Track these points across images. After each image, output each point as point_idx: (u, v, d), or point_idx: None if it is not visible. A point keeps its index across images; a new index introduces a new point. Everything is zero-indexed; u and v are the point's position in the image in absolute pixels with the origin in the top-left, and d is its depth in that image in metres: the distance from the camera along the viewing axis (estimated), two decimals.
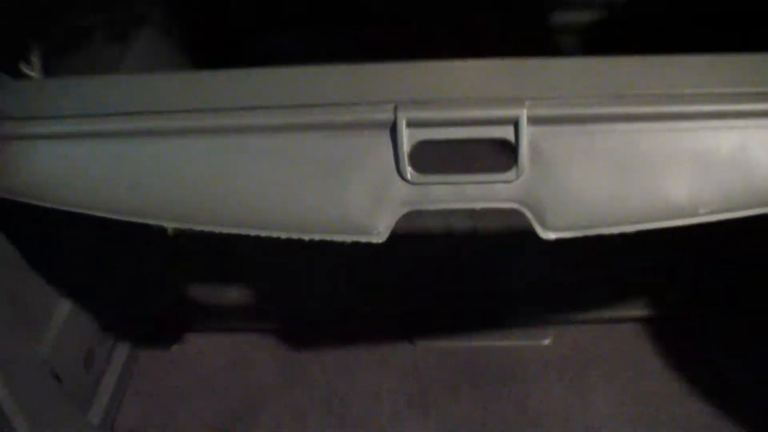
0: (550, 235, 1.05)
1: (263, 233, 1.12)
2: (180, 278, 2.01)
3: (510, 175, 1.04)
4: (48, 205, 1.18)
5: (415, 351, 1.86)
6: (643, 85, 1.06)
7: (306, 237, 1.10)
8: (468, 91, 1.07)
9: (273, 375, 1.84)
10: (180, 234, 2.00)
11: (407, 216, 1.12)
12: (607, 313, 1.89)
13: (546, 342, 1.86)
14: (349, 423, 1.71)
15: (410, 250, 1.97)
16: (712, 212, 1.05)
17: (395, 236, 1.67)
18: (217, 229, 1.13)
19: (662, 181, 1.05)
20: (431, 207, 1.06)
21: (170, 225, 1.23)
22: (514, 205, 1.05)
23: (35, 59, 1.40)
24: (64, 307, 1.65)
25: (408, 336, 1.89)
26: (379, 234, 1.07)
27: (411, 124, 1.04)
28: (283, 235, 1.11)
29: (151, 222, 1.18)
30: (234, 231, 1.13)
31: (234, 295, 1.99)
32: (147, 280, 1.97)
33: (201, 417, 1.74)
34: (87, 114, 1.14)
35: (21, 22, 1.45)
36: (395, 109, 1.04)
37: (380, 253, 1.94)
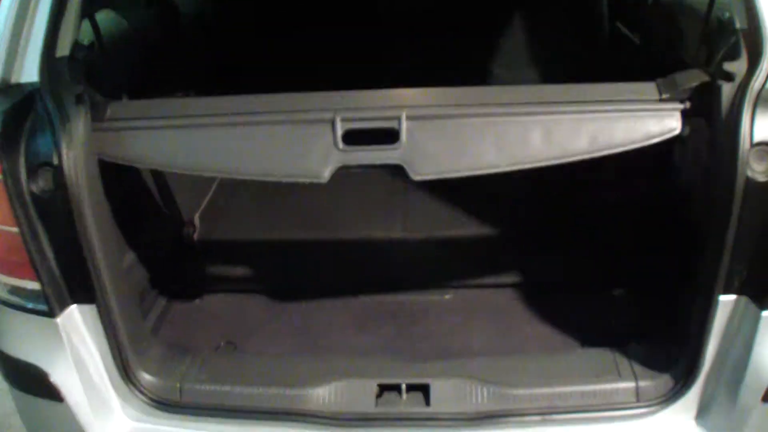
0: (417, 178, 1.93)
1: (259, 178, 2.01)
2: (202, 260, 2.91)
3: (395, 146, 1.92)
4: (140, 165, 2.09)
5: (358, 301, 2.70)
6: (469, 100, 1.99)
7: (283, 180, 2.00)
8: (376, 104, 2.00)
9: (262, 315, 2.67)
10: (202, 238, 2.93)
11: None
12: (488, 281, 2.76)
13: (447, 297, 2.71)
14: (310, 340, 2.53)
15: (362, 249, 2.88)
16: (508, 166, 1.93)
17: (353, 242, 2.68)
18: (231, 176, 2.03)
19: (478, 148, 1.94)
20: (353, 163, 1.95)
21: (206, 174, 2.11)
22: (398, 162, 1.93)
23: (125, 95, 2.32)
24: (130, 255, 2.53)
25: (354, 293, 2.72)
26: (324, 178, 1.94)
27: (343, 120, 1.92)
28: (270, 179, 2.01)
29: (194, 173, 2.08)
30: (240, 177, 2.04)
31: (238, 270, 2.88)
32: (180, 258, 2.87)
33: (213, 338, 2.55)
34: (160, 116, 2.06)
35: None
36: (335, 112, 1.93)
37: (341, 248, 2.86)
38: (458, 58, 3.70)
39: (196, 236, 3.05)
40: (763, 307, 1.89)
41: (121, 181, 2.18)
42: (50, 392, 2.10)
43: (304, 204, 3.22)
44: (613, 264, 2.72)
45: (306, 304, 2.71)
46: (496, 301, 2.68)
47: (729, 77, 1.84)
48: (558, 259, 2.80)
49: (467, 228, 2.96)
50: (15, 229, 1.96)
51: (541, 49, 3.83)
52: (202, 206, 3.23)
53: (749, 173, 1.79)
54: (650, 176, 2.72)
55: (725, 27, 1.99)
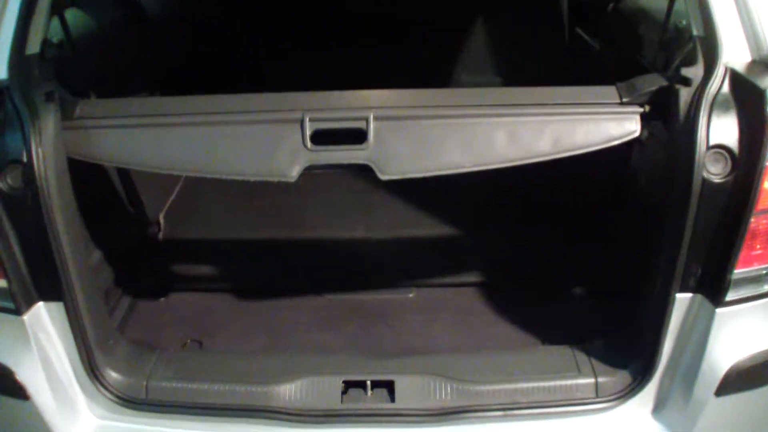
0: (385, 178, 1.97)
1: (227, 177, 2.03)
2: (167, 258, 2.91)
3: (362, 146, 1.96)
4: (109, 163, 2.09)
5: (322, 300, 2.73)
6: (435, 101, 2.03)
7: (251, 179, 2.02)
8: (344, 104, 2.03)
9: (227, 314, 2.69)
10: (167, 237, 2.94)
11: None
12: (451, 280, 2.81)
13: (410, 295, 2.76)
14: (276, 338, 2.55)
15: (326, 248, 2.91)
16: (474, 166, 1.98)
17: (318, 241, 2.69)
18: (200, 175, 2.04)
19: (444, 149, 1.98)
20: (321, 162, 1.99)
21: (175, 173, 2.13)
22: (365, 162, 1.97)
23: (93, 94, 2.32)
24: (96, 254, 2.52)
25: (319, 292, 2.76)
26: (292, 177, 1.97)
27: (312, 120, 1.96)
28: (239, 178, 2.02)
29: (163, 172, 2.09)
30: (209, 176, 2.04)
31: (203, 269, 2.89)
32: (146, 257, 2.88)
33: (178, 336, 2.56)
34: (129, 115, 2.07)
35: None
36: (303, 112, 1.97)
37: (306, 247, 2.89)
38: (422, 63, 3.75)
39: (161, 235, 3.06)
40: (717, 305, 1.96)
41: (88, 180, 2.18)
42: (16, 391, 2.09)
43: (268, 203, 3.24)
44: (573, 264, 2.79)
45: (271, 302, 2.73)
46: (459, 300, 2.73)
47: (686, 82, 1.90)
48: (519, 259, 2.85)
49: (430, 228, 3.01)
50: None
51: (504, 55, 3.90)
52: (167, 206, 3.24)
53: (705, 175, 1.85)
54: (607, 178, 2.79)
55: (682, 34, 2.05)
